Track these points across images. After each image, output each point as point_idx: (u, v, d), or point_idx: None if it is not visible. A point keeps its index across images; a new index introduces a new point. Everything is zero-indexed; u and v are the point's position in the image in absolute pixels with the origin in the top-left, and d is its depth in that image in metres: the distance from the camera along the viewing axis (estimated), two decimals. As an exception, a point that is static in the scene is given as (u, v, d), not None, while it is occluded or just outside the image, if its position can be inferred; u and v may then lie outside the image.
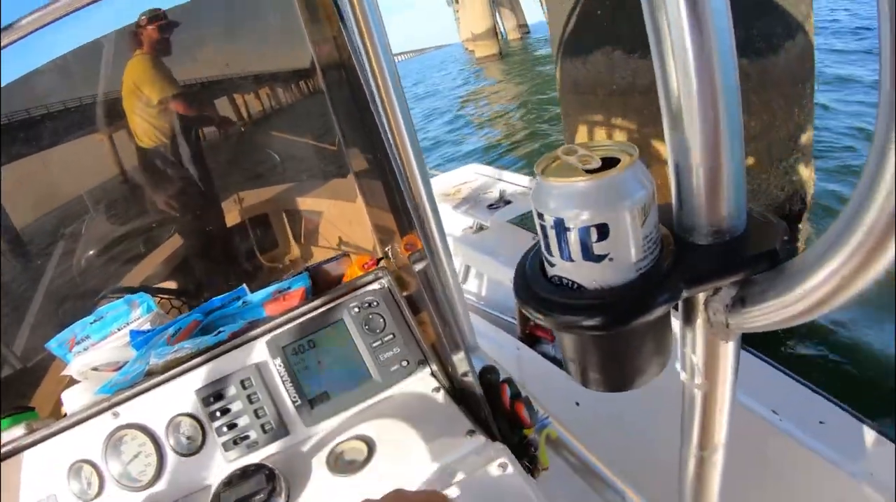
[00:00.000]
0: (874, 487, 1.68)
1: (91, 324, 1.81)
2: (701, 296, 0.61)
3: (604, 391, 0.69)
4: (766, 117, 5.18)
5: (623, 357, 0.65)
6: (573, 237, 0.55)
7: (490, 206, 3.67)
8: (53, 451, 1.57)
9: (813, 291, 0.48)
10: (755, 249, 0.56)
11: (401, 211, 1.64)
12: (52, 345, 1.82)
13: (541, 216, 0.57)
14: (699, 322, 0.64)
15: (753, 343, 2.06)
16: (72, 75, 2.14)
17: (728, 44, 0.49)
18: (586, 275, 0.57)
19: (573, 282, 0.58)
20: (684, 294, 0.57)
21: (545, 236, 0.58)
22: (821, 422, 1.91)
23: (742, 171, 0.55)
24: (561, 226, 0.55)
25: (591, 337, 0.62)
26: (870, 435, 1.82)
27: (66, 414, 1.69)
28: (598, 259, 0.55)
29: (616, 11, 5.36)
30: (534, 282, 0.62)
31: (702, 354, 0.67)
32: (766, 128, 5.24)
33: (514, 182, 4.11)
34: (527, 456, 1.53)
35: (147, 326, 1.79)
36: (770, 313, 0.54)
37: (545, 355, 3.13)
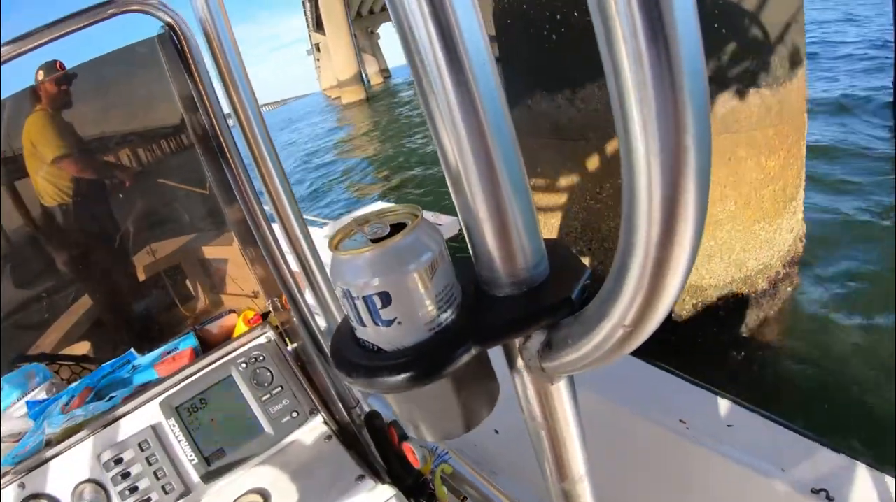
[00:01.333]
0: (787, 482, 1.69)
1: None
2: (516, 344, 0.63)
3: (438, 440, 0.70)
4: (782, 154, 5.19)
5: (440, 408, 0.66)
6: (361, 305, 0.56)
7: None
8: None
9: (604, 342, 0.50)
10: (555, 297, 0.57)
11: (281, 264, 1.63)
12: None
13: (334, 286, 0.59)
14: (521, 368, 0.65)
15: (653, 356, 2.07)
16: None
17: (497, 99, 0.51)
18: (382, 338, 0.58)
19: (374, 345, 0.59)
20: (473, 350, 0.58)
21: (345, 306, 0.59)
22: (729, 426, 1.91)
23: (534, 221, 0.56)
24: (349, 296, 0.56)
25: (400, 395, 0.63)
26: (777, 431, 1.84)
27: None
28: (388, 323, 0.56)
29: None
30: (343, 345, 0.62)
31: (534, 396, 0.68)
32: (783, 167, 5.24)
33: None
34: (424, 494, 1.52)
35: (43, 395, 1.73)
36: (574, 357, 0.55)
37: None
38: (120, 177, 2.23)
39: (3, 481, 1.52)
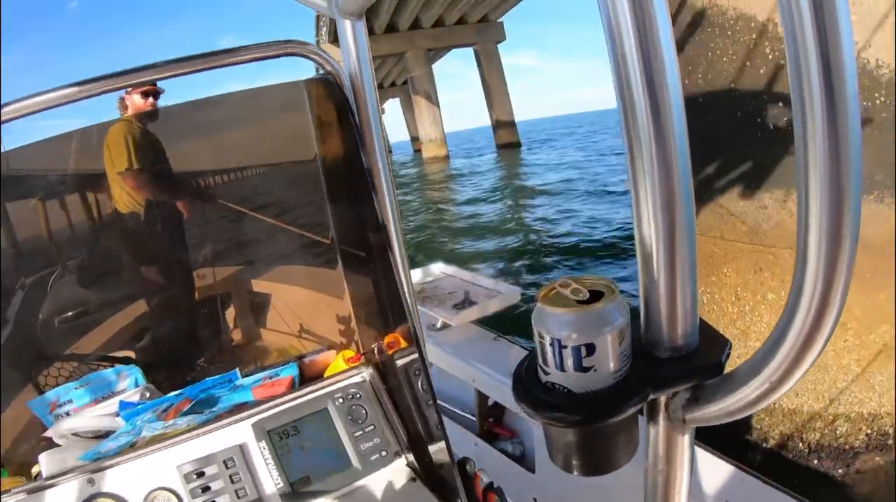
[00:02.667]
0: None
1: (76, 388, 1.91)
2: (662, 398, 0.81)
3: (583, 475, 0.88)
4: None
5: (600, 447, 0.84)
6: (567, 352, 0.75)
7: (455, 306, 3.85)
8: None
9: (749, 394, 0.70)
10: (705, 361, 0.77)
11: (387, 308, 1.81)
12: (35, 405, 1.91)
13: (541, 335, 0.77)
14: (660, 418, 0.84)
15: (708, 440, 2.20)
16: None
17: (688, 196, 0.70)
18: (575, 382, 0.76)
19: (564, 388, 0.78)
20: (651, 396, 0.77)
21: (543, 351, 0.78)
22: None
23: (695, 300, 0.76)
24: (558, 345, 0.75)
25: (576, 430, 0.82)
26: None
27: (37, 477, 1.79)
28: (586, 370, 0.75)
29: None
30: (530, 386, 0.81)
31: (663, 446, 0.86)
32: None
33: (478, 284, 4.31)
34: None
35: (135, 398, 1.89)
36: (718, 411, 0.75)
37: (503, 451, 3.30)
38: (191, 203, 2.41)
39: (73, 474, 1.65)
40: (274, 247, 2.42)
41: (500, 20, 43.77)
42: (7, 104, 1.43)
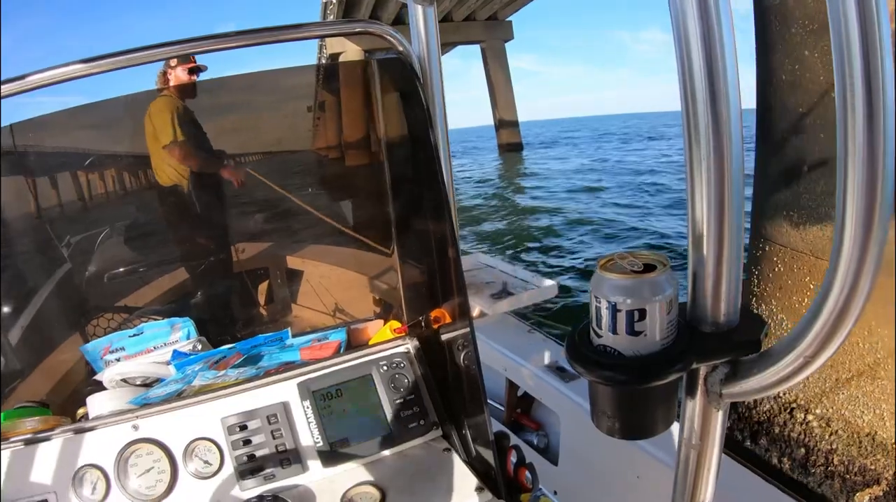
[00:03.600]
0: None
1: (130, 337, 2.04)
2: (702, 372, 0.93)
3: (621, 437, 1.00)
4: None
5: (641, 410, 0.96)
6: (621, 316, 0.87)
7: (492, 295, 3.95)
8: (65, 451, 1.72)
9: (784, 369, 0.82)
10: (745, 337, 0.89)
11: (436, 283, 1.93)
12: (87, 349, 2.05)
13: (597, 300, 0.89)
14: (698, 393, 0.95)
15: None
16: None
17: (738, 182, 0.82)
18: (625, 346, 0.88)
19: (615, 350, 0.90)
20: (693, 366, 0.89)
21: (598, 315, 0.90)
22: None
23: (740, 282, 0.88)
24: (613, 308, 0.87)
25: (621, 391, 0.94)
26: None
27: (81, 418, 1.92)
28: (637, 334, 0.87)
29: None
30: (583, 348, 0.93)
31: (699, 419, 0.98)
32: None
33: (517, 276, 4.41)
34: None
35: (188, 349, 2.03)
36: (754, 386, 0.87)
37: (528, 443, 3.42)
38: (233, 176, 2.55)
39: (118, 418, 1.78)
40: (330, 217, 2.55)
41: (508, 19, 43.69)
42: (30, 74, 1.52)
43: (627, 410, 0.97)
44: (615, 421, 0.98)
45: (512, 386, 3.58)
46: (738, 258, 0.86)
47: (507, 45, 44.59)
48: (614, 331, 0.88)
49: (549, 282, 4.18)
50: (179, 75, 3.22)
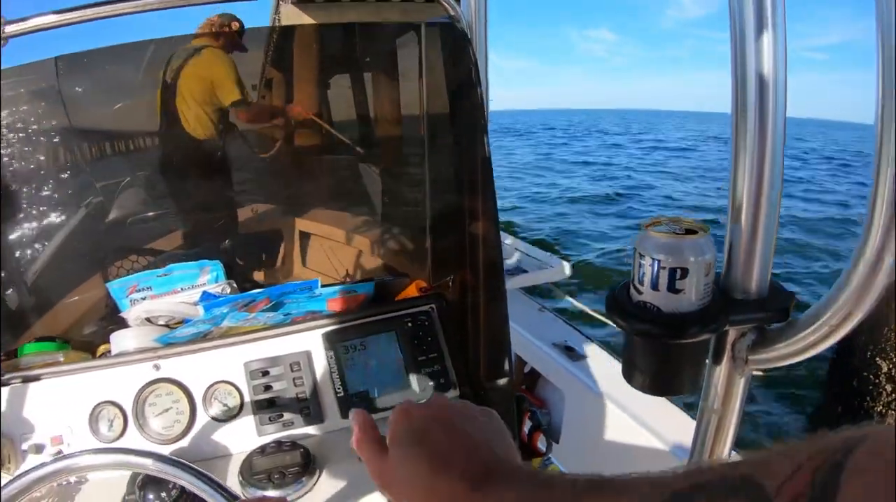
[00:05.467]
0: None
1: (158, 276, 2.12)
2: (730, 336, 1.05)
3: (651, 392, 1.12)
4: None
5: (673, 367, 1.09)
6: (664, 274, 0.99)
7: (507, 272, 4.06)
8: (83, 386, 1.80)
9: (809, 337, 0.94)
10: (774, 306, 1.01)
11: (465, 245, 2.03)
12: (113, 286, 2.12)
13: (641, 257, 1.02)
14: (725, 357, 1.08)
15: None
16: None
17: (779, 171, 0.94)
18: (665, 302, 1.01)
19: (655, 306, 1.02)
20: (725, 328, 1.01)
21: (641, 272, 1.02)
22: None
23: (771, 255, 1.01)
24: (657, 265, 0.99)
25: (656, 346, 1.06)
26: None
27: (102, 355, 2.02)
28: (677, 292, 0.99)
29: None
30: (624, 303, 1.06)
31: (723, 384, 1.10)
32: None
33: (531, 254, 4.52)
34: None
35: (217, 291, 2.12)
36: (779, 353, 0.99)
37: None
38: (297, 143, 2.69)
39: (140, 357, 1.86)
40: (366, 176, 2.66)
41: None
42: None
43: (660, 365, 1.09)
44: (647, 377, 1.11)
45: (520, 362, 3.68)
46: (772, 232, 0.98)
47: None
48: (655, 288, 1.01)
49: (562, 263, 4.30)
50: (225, 31, 3.28)
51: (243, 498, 1.09)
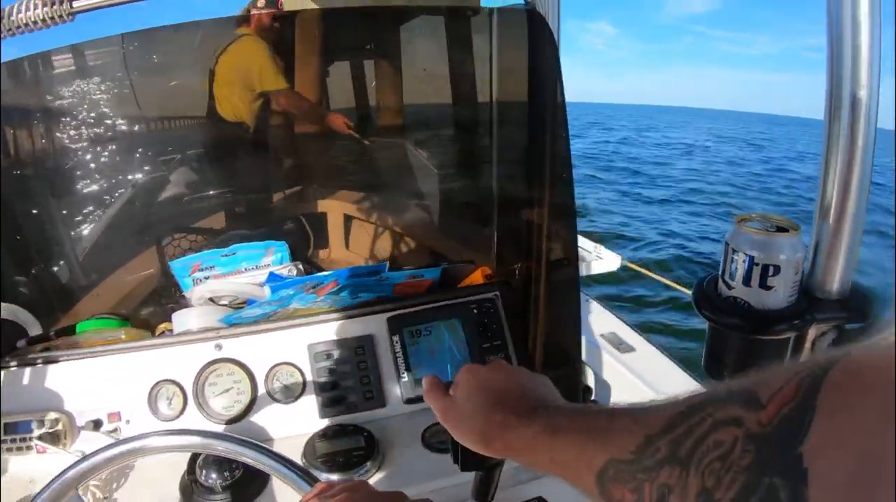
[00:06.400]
0: None
1: (222, 256, 2.17)
2: (811, 334, 1.11)
3: None
4: None
5: (756, 360, 1.14)
6: (757, 270, 1.04)
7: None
8: (142, 365, 1.86)
9: (889, 339, 0.99)
10: (854, 307, 1.06)
11: (535, 236, 2.08)
12: (176, 265, 2.18)
13: (734, 252, 1.07)
14: (804, 355, 1.13)
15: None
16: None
17: (868, 174, 1.00)
18: (756, 298, 1.06)
19: (745, 302, 1.07)
20: (810, 325, 1.07)
21: (734, 267, 1.08)
22: None
23: (856, 258, 1.06)
24: (751, 261, 1.04)
25: (744, 340, 1.11)
26: None
27: (162, 334, 2.08)
28: (768, 288, 1.05)
29: None
30: (713, 298, 1.11)
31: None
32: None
33: (581, 246, 4.56)
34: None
35: (283, 272, 2.17)
36: None
37: None
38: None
39: (203, 336, 1.91)
40: (436, 166, 2.76)
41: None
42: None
43: (744, 359, 1.14)
44: (730, 369, 1.16)
45: None
46: (858, 234, 1.03)
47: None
48: (747, 284, 1.06)
49: (612, 255, 4.33)
50: (264, 20, 3.31)
51: (323, 482, 1.12)
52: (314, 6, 2.78)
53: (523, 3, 1.88)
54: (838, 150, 1.00)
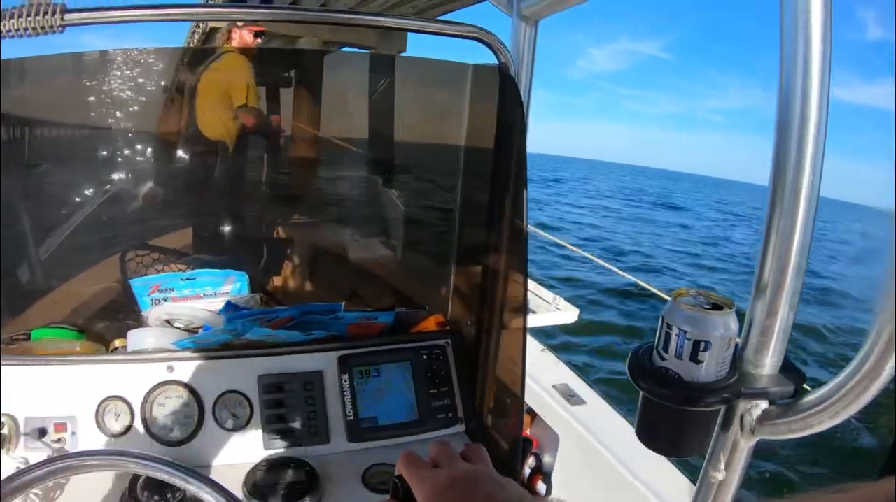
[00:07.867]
0: None
1: (182, 279, 2.20)
2: (741, 407, 1.16)
3: (663, 452, 1.22)
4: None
5: (687, 431, 1.19)
6: (688, 345, 1.10)
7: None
8: (93, 378, 1.86)
9: (813, 417, 1.04)
10: (785, 384, 1.11)
11: (489, 287, 2.13)
12: (136, 283, 2.20)
13: (669, 326, 1.12)
14: (734, 424, 1.18)
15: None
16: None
17: (806, 255, 1.05)
18: (686, 371, 1.11)
19: (676, 373, 1.12)
20: (738, 399, 1.12)
21: (667, 340, 1.13)
22: None
23: (787, 337, 1.11)
24: (684, 336, 1.10)
25: (674, 410, 1.16)
26: None
27: (115, 350, 2.09)
28: (698, 362, 1.10)
29: None
30: (646, 366, 1.16)
31: (728, 450, 1.20)
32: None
33: (540, 295, 4.60)
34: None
35: (240, 303, 2.20)
36: (784, 428, 1.10)
37: None
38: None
39: (153, 356, 1.93)
40: (402, 200, 2.80)
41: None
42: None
43: (674, 429, 1.19)
44: (660, 438, 1.21)
45: None
46: (792, 313, 1.09)
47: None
48: (679, 357, 1.11)
49: (570, 307, 4.38)
50: (245, 37, 3.38)
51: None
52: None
53: (497, 63, 1.93)
54: (778, 231, 1.05)
